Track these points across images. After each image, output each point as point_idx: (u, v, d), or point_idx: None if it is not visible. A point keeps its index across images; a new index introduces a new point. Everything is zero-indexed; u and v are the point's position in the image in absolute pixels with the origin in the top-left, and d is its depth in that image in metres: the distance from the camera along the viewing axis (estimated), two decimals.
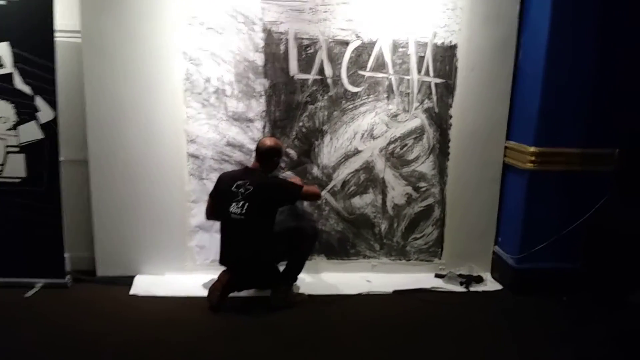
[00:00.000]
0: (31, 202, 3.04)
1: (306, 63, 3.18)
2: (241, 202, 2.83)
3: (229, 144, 3.23)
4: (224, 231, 2.95)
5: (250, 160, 3.22)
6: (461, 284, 3.35)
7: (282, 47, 3.14)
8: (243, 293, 3.01)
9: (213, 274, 3.20)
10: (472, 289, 3.33)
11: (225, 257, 2.94)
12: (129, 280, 3.21)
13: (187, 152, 3.21)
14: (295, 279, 3.03)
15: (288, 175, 3.26)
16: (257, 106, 3.21)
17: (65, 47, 3.10)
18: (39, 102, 2.98)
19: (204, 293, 3.05)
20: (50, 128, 3.00)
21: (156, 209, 3.26)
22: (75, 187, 3.23)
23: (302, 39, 3.14)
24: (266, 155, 2.95)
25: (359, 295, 3.18)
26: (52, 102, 2.98)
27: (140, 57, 3.09)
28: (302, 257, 2.99)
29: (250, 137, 3.24)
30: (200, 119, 3.18)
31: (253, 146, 3.20)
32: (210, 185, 3.19)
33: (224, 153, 3.24)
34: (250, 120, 3.22)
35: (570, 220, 3.19)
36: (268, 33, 3.12)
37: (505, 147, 3.38)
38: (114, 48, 3.07)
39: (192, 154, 3.22)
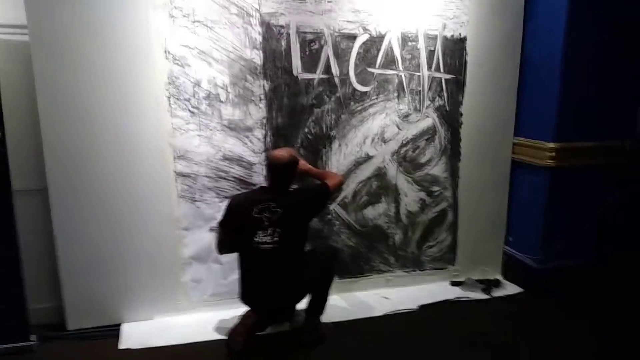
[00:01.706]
0: None
1: (311, 60, 2.78)
2: (269, 230, 2.38)
3: (225, 158, 2.75)
4: (248, 265, 2.48)
5: (250, 175, 2.79)
6: (483, 290, 3.18)
7: (283, 43, 2.71)
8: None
9: (212, 310, 2.80)
10: (493, 294, 3.16)
11: (251, 296, 2.47)
12: (111, 332, 2.64)
13: (174, 171, 2.68)
14: (324, 311, 2.62)
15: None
16: (257, 112, 2.75)
17: (8, 47, 2.43)
18: None
19: (213, 335, 2.60)
20: None
21: (139, 241, 2.69)
22: (31, 223, 2.58)
23: (306, 33, 2.74)
24: (285, 171, 2.50)
25: (385, 315, 2.88)
26: None
27: (110, 57, 2.49)
28: (328, 286, 2.59)
29: (249, 148, 2.78)
30: (189, 130, 2.66)
31: (253, 159, 2.78)
32: (204, 208, 2.73)
33: (219, 169, 2.75)
34: (249, 129, 2.76)
35: (588, 216, 3.14)
36: (267, 26, 2.67)
37: (514, 144, 3.24)
38: (74, 47, 2.44)
39: (181, 173, 2.69)
